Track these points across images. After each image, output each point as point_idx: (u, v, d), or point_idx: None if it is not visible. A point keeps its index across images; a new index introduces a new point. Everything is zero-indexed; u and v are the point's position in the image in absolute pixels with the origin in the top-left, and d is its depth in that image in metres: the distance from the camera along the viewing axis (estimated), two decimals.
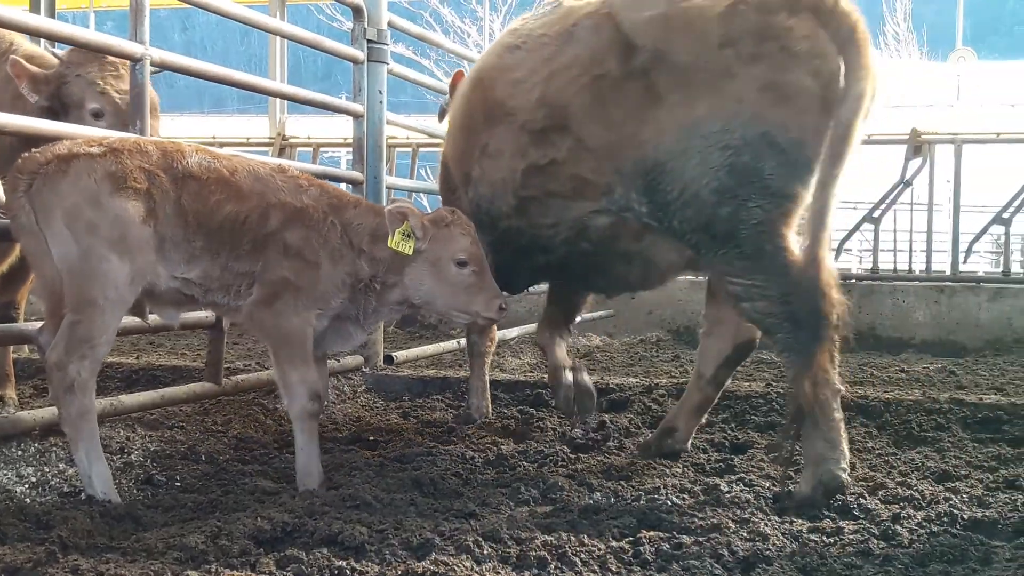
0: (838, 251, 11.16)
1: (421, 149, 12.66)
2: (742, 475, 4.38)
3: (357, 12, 6.33)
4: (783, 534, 3.53)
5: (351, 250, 4.11)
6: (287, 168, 4.24)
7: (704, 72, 3.93)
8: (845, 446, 3.96)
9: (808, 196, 3.89)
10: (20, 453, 4.13)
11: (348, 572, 3.07)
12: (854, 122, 3.78)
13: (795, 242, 3.93)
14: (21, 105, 4.74)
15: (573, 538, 3.42)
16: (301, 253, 3.98)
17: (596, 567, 3.18)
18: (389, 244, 4.08)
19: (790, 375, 3.92)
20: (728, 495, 4.01)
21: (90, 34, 4.51)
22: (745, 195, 3.88)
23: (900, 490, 4.13)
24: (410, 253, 4.09)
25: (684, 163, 3.94)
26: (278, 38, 14.46)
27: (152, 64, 4.60)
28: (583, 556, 3.25)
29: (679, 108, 3.97)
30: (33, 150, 3.78)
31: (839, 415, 3.97)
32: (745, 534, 3.50)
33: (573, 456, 4.76)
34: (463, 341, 8.19)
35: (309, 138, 13.96)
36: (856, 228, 12.25)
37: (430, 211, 4.32)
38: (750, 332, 4.57)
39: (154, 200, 3.74)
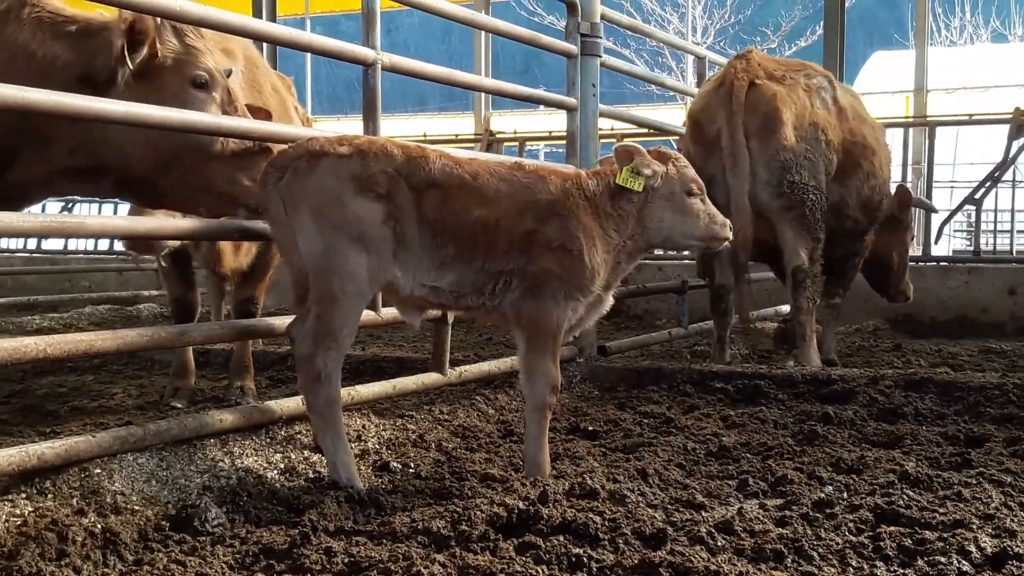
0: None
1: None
2: (981, 469, 4.21)
3: (571, 7, 6.40)
4: None
5: (601, 222, 4.16)
6: (524, 163, 4.33)
7: None
8: None
9: None
10: (268, 440, 4.38)
11: (585, 560, 3.12)
12: None
13: None
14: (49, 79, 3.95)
15: (809, 531, 3.38)
16: (564, 244, 4.05)
17: (835, 561, 3.13)
18: (617, 180, 4.14)
19: None
20: (968, 490, 3.86)
21: (327, 41, 4.72)
22: None
23: None
24: (639, 190, 4.15)
25: None
26: (483, 36, 14.76)
27: (383, 68, 4.79)
28: (820, 550, 3.20)
29: None
30: (289, 145, 4.00)
31: None
32: (991, 530, 3.36)
33: (799, 448, 4.68)
34: (674, 331, 8.20)
35: (516, 132, 14.19)
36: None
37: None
38: None
39: (395, 204, 3.88)
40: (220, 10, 4.10)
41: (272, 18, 14.87)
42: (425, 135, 14.39)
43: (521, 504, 3.55)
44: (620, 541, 3.28)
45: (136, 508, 3.58)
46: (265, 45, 13.64)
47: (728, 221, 4.30)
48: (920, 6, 13.76)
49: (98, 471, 3.66)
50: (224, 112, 4.48)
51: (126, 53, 3.99)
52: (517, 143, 13.78)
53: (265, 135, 4.38)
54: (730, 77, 6.72)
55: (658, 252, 12.18)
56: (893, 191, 7.85)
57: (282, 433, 4.46)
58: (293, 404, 4.46)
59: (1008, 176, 11.86)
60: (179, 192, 4.40)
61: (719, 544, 3.26)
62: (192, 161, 4.26)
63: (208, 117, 4.09)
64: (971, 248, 11.62)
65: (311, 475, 4.19)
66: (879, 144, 7.23)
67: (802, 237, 6.73)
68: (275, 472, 4.17)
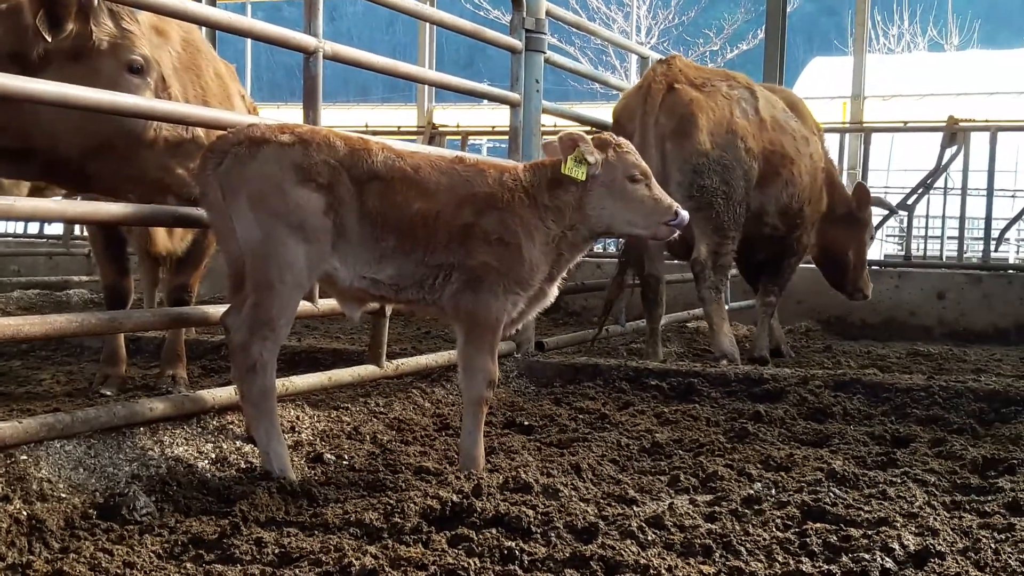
0: (999, 241, 10.84)
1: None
2: (906, 469, 4.30)
3: (516, 3, 6.40)
4: (953, 529, 3.45)
5: (540, 214, 4.14)
6: (464, 157, 4.32)
7: None
8: None
9: None
10: (200, 430, 4.33)
11: (517, 553, 3.13)
12: None
13: None
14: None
15: (737, 527, 3.43)
16: (501, 237, 4.04)
17: (762, 557, 3.18)
18: (562, 170, 4.11)
19: None
20: (893, 489, 3.95)
21: (268, 27, 4.67)
22: None
23: None
24: (583, 179, 4.12)
25: None
26: (427, 28, 14.72)
27: (324, 56, 4.75)
28: (748, 545, 3.24)
29: None
30: (228, 130, 3.97)
31: None
32: (914, 528, 3.43)
33: (730, 446, 4.74)
34: (611, 328, 8.26)
35: (459, 126, 14.18)
36: (1018, 217, 11.91)
37: None
38: None
39: (336, 195, 3.86)
40: None
41: (212, 2, 14.70)
42: (367, 125, 14.32)
43: (455, 497, 3.56)
44: (552, 535, 3.30)
45: (63, 496, 3.52)
46: (204, 30, 13.51)
47: (676, 205, 4.22)
48: (859, 14, 13.97)
49: (24, 458, 3.59)
50: (158, 98, 4.42)
51: (40, 25, 3.91)
52: (460, 137, 13.78)
53: (202, 120, 4.33)
54: (649, 79, 7.01)
55: (597, 249, 12.26)
56: (851, 190, 8.09)
57: (214, 423, 4.42)
58: (226, 393, 4.42)
59: (940, 183, 12.15)
60: (109, 178, 4.33)
61: (649, 538, 3.29)
62: (124, 147, 4.20)
63: (142, 100, 4.03)
64: (902, 253, 11.85)
65: (243, 465, 4.16)
66: (799, 154, 7.43)
67: (705, 234, 6.96)
68: (206, 462, 4.13)
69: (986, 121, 11.62)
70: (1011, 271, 11.01)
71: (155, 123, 4.26)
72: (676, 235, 4.34)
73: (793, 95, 8.37)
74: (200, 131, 4.41)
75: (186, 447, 4.17)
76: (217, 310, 4.32)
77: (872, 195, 8.46)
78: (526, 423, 5.22)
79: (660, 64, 7.17)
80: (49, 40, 3.96)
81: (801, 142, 7.52)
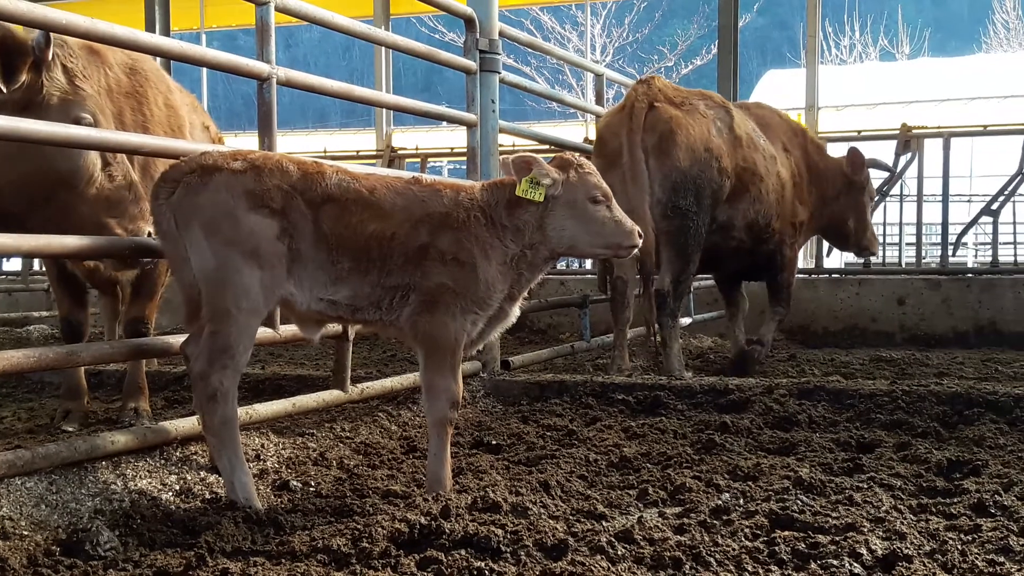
0: (956, 245, 10.97)
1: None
2: (872, 474, 4.33)
3: (470, 23, 6.42)
4: (920, 532, 3.48)
5: (497, 233, 4.13)
6: (421, 178, 4.31)
7: None
8: None
9: None
10: (163, 462, 4.28)
11: (487, 573, 3.12)
12: None
13: None
14: None
15: (706, 538, 3.44)
16: (456, 257, 4.03)
17: (732, 567, 3.18)
18: (517, 192, 4.11)
19: None
20: (859, 494, 3.97)
21: (220, 55, 4.64)
22: None
23: None
24: (540, 200, 4.11)
25: None
26: (383, 52, 14.73)
27: (278, 83, 4.74)
28: (717, 556, 3.25)
29: None
30: (181, 159, 3.94)
31: None
32: (882, 533, 3.46)
33: (697, 457, 4.76)
34: (577, 344, 8.28)
35: (417, 148, 14.18)
36: (974, 221, 12.06)
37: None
38: None
39: (289, 220, 3.84)
40: (108, 23, 4.00)
41: (165, 32, 14.65)
42: (325, 151, 14.29)
43: (423, 519, 3.54)
44: (522, 553, 3.29)
45: (25, 533, 3.47)
46: (159, 60, 13.44)
47: (637, 227, 4.25)
48: (811, 26, 14.14)
49: None
50: (104, 159, 4.42)
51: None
52: (419, 159, 13.77)
53: (155, 150, 4.31)
54: (631, 98, 7.20)
55: (560, 266, 12.28)
56: (845, 153, 8.33)
57: (177, 454, 4.37)
58: (189, 424, 4.37)
59: (896, 190, 12.31)
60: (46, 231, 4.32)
61: (619, 553, 3.29)
62: (63, 202, 4.18)
63: (91, 132, 4.01)
64: (861, 260, 11.97)
65: (208, 496, 4.11)
66: (767, 172, 7.62)
67: (671, 261, 7.12)
68: (170, 494, 4.08)
69: (939, 128, 11.77)
70: (969, 275, 11.13)
71: (94, 177, 4.27)
72: (635, 254, 4.39)
73: (772, 111, 8.52)
74: (139, 184, 4.40)
75: (149, 479, 4.12)
76: (178, 340, 4.28)
77: (867, 157, 8.58)
78: (494, 442, 5.20)
79: (640, 84, 7.36)
80: (4, 91, 3.93)
81: (770, 161, 7.71)
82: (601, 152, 7.34)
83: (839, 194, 8.43)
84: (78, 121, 4.13)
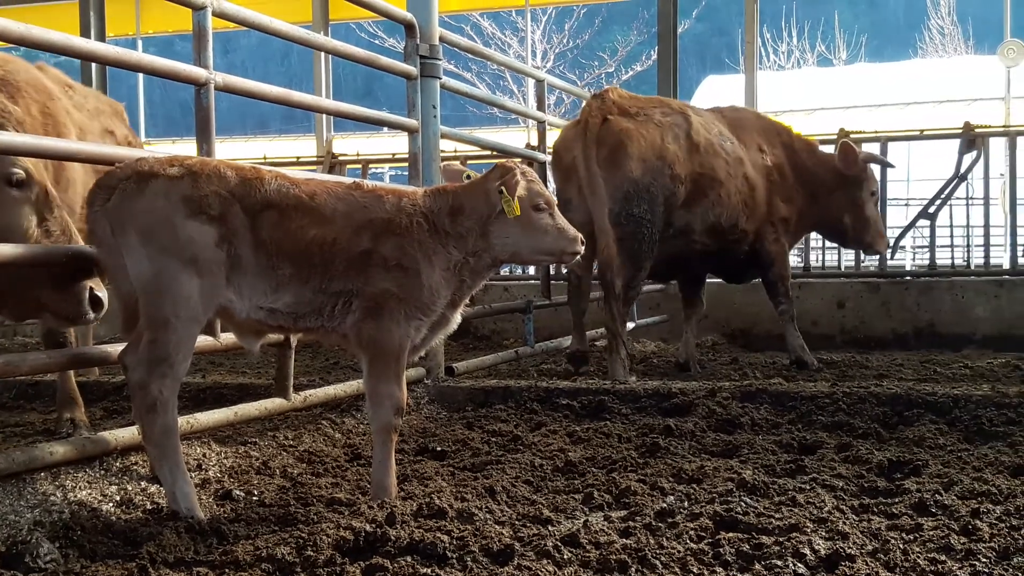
0: (894, 248, 11.14)
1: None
2: (814, 475, 4.38)
3: (409, 28, 6.41)
4: (862, 532, 3.52)
5: (440, 239, 4.12)
6: (362, 183, 4.29)
7: None
8: None
9: None
10: (103, 472, 4.21)
11: None
12: None
13: None
14: None
15: (652, 541, 3.45)
16: (399, 263, 4.01)
17: (677, 569, 3.20)
18: (508, 214, 4.12)
19: None
20: (802, 495, 4.01)
21: (156, 60, 4.58)
22: None
23: (976, 485, 4.11)
24: (518, 213, 4.13)
25: None
26: (323, 57, 14.65)
27: (216, 88, 4.69)
28: (663, 559, 3.26)
29: None
30: (116, 165, 3.88)
31: None
32: (824, 533, 3.49)
33: (642, 461, 4.78)
34: (521, 350, 8.27)
35: (358, 154, 14.10)
36: (911, 225, 12.25)
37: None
38: None
39: (228, 226, 3.79)
40: (42, 28, 3.93)
41: (101, 37, 14.43)
42: (265, 157, 14.14)
43: (368, 527, 3.51)
44: (468, 559, 3.28)
45: None
46: (94, 66, 13.24)
47: (579, 235, 4.28)
48: (748, 32, 14.29)
49: None
50: (40, 214, 4.35)
51: None
52: (360, 165, 13.69)
53: (91, 156, 4.24)
54: (585, 113, 7.33)
55: (504, 271, 12.29)
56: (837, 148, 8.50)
57: (117, 464, 4.30)
58: (128, 434, 4.30)
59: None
60: None
61: (565, 557, 3.29)
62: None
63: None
64: (801, 264, 12.11)
65: (149, 506, 4.05)
66: (729, 176, 7.68)
67: (625, 267, 7.15)
68: (111, 504, 4.01)
69: (875, 132, 11.95)
70: (908, 278, 11.31)
71: (30, 232, 4.24)
72: (577, 260, 4.43)
73: (750, 113, 8.63)
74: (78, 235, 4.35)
75: (90, 490, 4.05)
76: (116, 349, 4.21)
77: (862, 152, 8.66)
78: (439, 448, 5.18)
79: (595, 99, 7.46)
80: None
81: (734, 164, 7.79)
82: (558, 166, 7.50)
83: (832, 190, 8.49)
84: (9, 178, 4.07)
